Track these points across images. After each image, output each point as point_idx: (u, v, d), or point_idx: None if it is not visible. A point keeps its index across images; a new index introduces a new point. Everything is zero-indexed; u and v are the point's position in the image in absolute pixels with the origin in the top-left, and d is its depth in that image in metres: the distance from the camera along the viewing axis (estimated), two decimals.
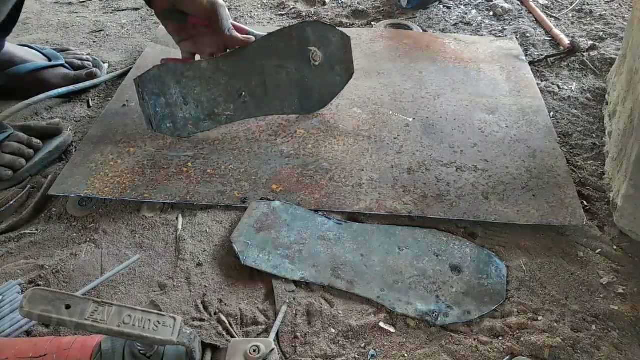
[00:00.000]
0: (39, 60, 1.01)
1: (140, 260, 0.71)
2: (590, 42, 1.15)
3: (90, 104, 1.01)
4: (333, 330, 0.63)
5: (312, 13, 1.29)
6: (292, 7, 1.32)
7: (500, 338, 0.62)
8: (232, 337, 0.62)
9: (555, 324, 0.63)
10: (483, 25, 1.26)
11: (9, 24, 0.91)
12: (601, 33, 1.19)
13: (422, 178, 0.82)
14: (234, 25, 0.85)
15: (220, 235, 0.74)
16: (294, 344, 0.61)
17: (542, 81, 1.06)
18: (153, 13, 1.32)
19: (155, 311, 0.50)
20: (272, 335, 0.61)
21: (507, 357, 0.60)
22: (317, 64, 0.87)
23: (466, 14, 1.30)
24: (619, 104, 0.86)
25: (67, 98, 1.02)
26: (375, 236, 0.73)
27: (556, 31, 1.19)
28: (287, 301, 0.65)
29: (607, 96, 0.98)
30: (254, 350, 0.53)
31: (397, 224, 0.75)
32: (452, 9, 1.32)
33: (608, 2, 1.31)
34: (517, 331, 0.63)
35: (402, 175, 0.82)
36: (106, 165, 0.84)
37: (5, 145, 0.83)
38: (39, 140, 0.86)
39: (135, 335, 0.48)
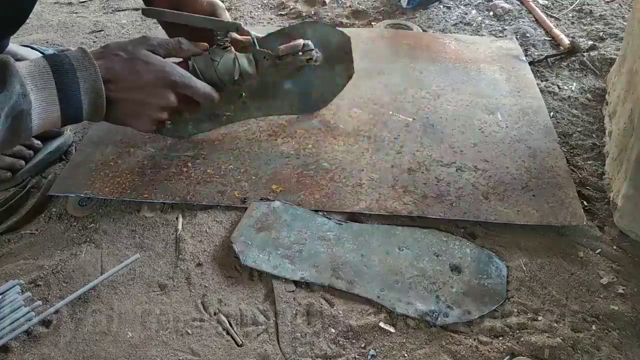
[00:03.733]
0: None
1: (140, 260, 0.71)
2: (590, 42, 1.15)
3: None
4: (333, 330, 0.63)
5: (312, 13, 1.29)
6: (292, 7, 1.32)
7: (500, 338, 0.62)
8: (232, 337, 0.62)
9: (555, 324, 0.63)
10: (483, 25, 1.26)
11: (17, 23, 0.90)
12: (601, 33, 1.19)
13: (422, 178, 0.82)
14: None
15: (220, 235, 0.74)
16: (294, 344, 0.61)
17: (542, 81, 1.06)
18: None
19: None
20: None
21: (507, 357, 0.60)
22: (317, 64, 0.87)
23: (466, 14, 1.30)
24: (619, 104, 0.86)
25: None
26: (375, 236, 0.73)
27: (556, 31, 1.19)
28: (287, 301, 0.65)
29: (607, 96, 0.98)
30: None
31: (397, 224, 0.75)
32: (452, 9, 1.32)
33: (608, 2, 1.31)
34: (517, 331, 0.63)
35: (402, 175, 0.82)
36: (106, 166, 0.84)
37: None
38: (39, 142, 0.86)
39: None
